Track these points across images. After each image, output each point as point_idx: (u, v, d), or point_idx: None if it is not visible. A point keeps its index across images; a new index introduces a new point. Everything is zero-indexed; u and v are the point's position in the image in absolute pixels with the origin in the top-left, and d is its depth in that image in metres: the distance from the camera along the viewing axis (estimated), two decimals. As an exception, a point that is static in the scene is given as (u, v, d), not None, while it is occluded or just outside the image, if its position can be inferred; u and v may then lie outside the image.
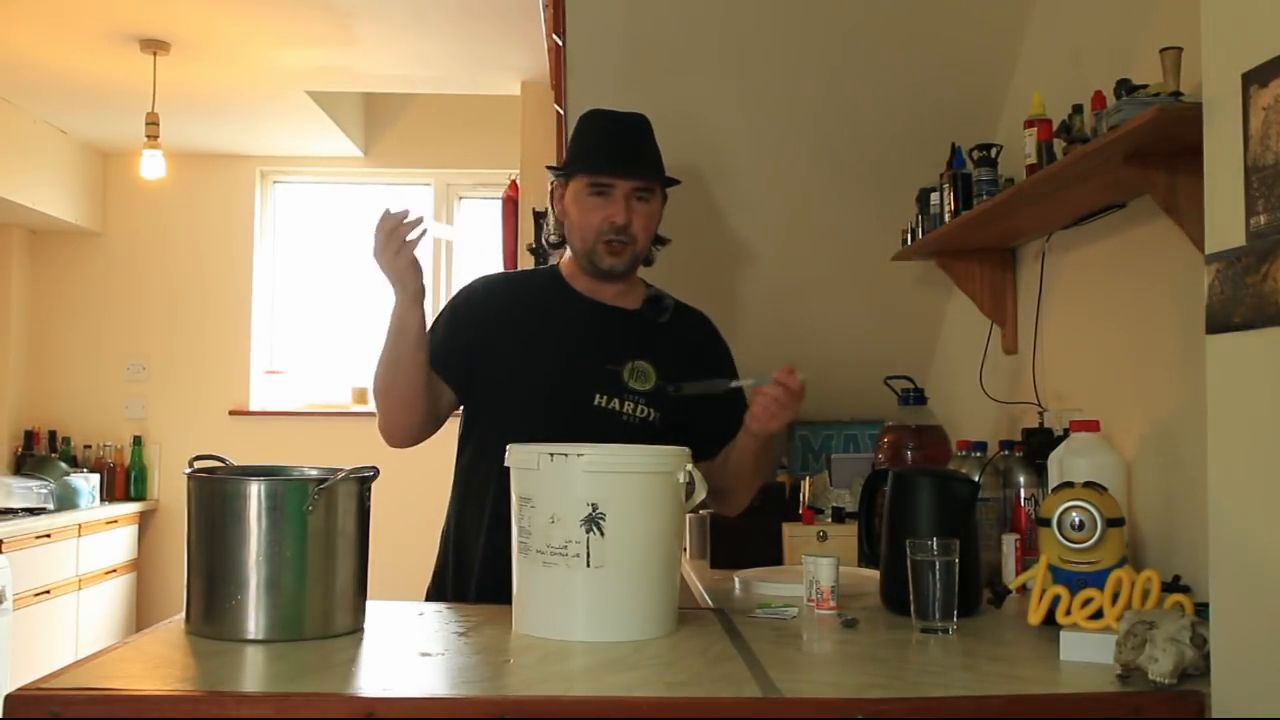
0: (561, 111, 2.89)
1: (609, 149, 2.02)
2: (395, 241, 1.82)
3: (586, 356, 2.00)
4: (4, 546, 4.32)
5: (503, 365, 2.00)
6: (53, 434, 5.51)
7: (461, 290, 2.13)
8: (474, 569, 1.98)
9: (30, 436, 5.47)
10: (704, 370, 2.03)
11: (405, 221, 1.82)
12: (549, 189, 2.12)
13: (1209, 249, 1.32)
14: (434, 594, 2.05)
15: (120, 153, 5.55)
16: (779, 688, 1.34)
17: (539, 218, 4.23)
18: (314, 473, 1.67)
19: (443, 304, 2.19)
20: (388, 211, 1.83)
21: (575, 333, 2.03)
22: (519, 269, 2.23)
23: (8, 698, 1.26)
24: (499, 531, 1.93)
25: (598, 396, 1.96)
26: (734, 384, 1.94)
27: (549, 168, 2.10)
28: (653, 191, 2.04)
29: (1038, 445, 2.21)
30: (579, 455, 1.59)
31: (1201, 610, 1.40)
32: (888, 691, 1.35)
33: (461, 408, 2.07)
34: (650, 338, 2.05)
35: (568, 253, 2.11)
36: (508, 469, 1.73)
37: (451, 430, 2.08)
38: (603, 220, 1.99)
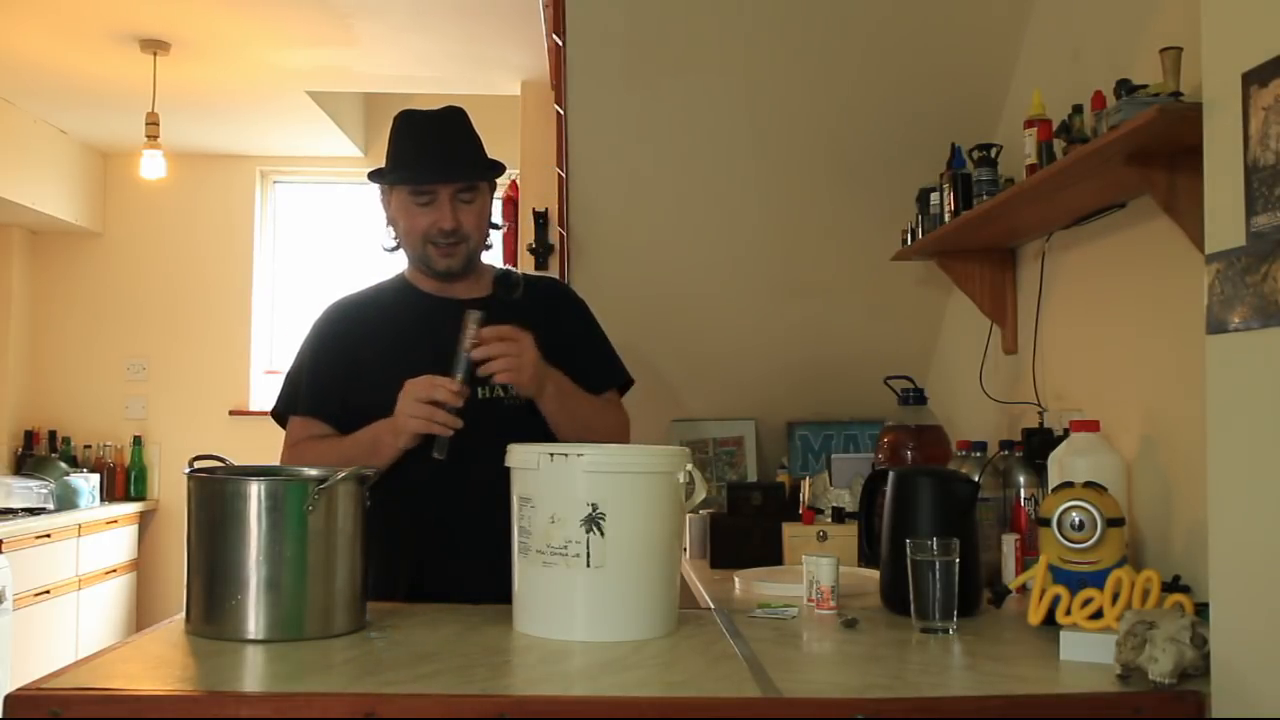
0: (561, 111, 2.89)
1: (425, 155, 2.00)
2: (432, 412, 1.81)
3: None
4: (4, 546, 4.32)
5: (373, 387, 1.96)
6: (53, 434, 5.51)
7: (315, 324, 2.11)
8: (399, 580, 1.94)
9: (30, 436, 5.47)
10: (567, 331, 2.06)
11: (449, 396, 1.80)
12: (380, 195, 2.09)
13: (1209, 249, 1.32)
14: None
15: (120, 153, 5.55)
16: (779, 688, 1.34)
17: (539, 217, 4.24)
18: (314, 473, 1.67)
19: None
20: (430, 381, 1.81)
21: (437, 334, 1.98)
22: (366, 286, 2.20)
23: (8, 698, 1.27)
24: (413, 540, 1.95)
25: (478, 390, 1.95)
26: (463, 359, 1.86)
27: (370, 176, 2.07)
28: (476, 189, 2.02)
29: (1038, 445, 2.20)
30: (579, 455, 1.59)
31: (1201, 610, 1.40)
32: (888, 691, 1.35)
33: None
34: (509, 317, 1.99)
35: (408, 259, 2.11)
36: (408, 483, 1.81)
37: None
38: (430, 226, 1.99)
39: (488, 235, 2.08)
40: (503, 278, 2.10)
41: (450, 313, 2.00)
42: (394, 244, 2.09)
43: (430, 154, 2.00)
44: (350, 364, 2.03)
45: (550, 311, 2.09)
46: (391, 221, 2.07)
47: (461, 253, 2.01)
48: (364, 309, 2.11)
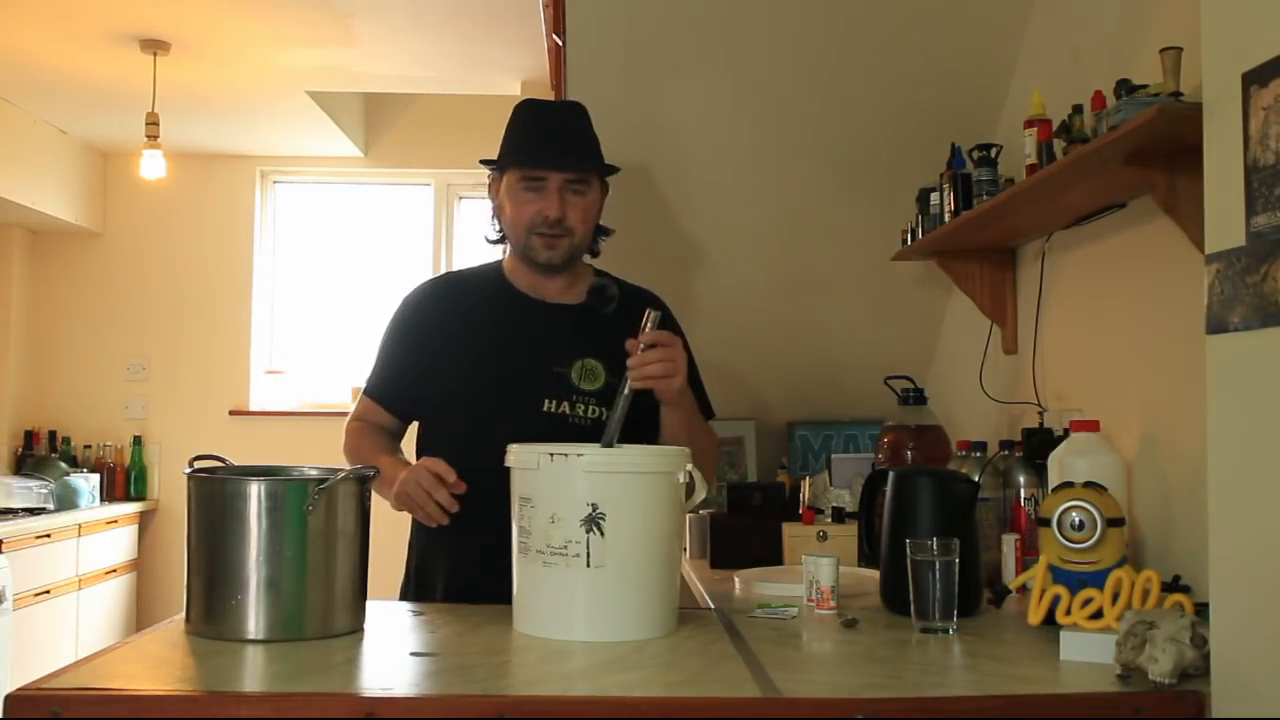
0: (561, 111, 2.89)
1: (540, 141, 1.98)
2: (426, 502, 1.81)
3: (532, 361, 1.96)
4: (4, 546, 4.32)
5: (448, 377, 1.98)
6: (53, 434, 5.51)
7: (402, 303, 2.09)
8: (437, 582, 1.99)
9: (30, 436, 5.47)
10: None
11: (443, 488, 1.81)
12: (487, 182, 2.08)
13: (1209, 249, 1.32)
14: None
15: (120, 153, 5.55)
16: (779, 688, 1.35)
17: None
18: (314, 473, 1.67)
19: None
20: (439, 471, 1.81)
21: (519, 337, 1.99)
22: (464, 267, 2.19)
23: (8, 698, 1.26)
24: (460, 542, 1.96)
25: (546, 402, 1.94)
26: (625, 390, 1.80)
27: (483, 161, 2.06)
28: (588, 182, 1.99)
29: (1038, 445, 2.20)
30: (579, 455, 1.59)
31: (1201, 610, 1.40)
32: (888, 691, 1.35)
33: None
34: (598, 332, 1.98)
35: (508, 248, 2.08)
36: (468, 481, 1.80)
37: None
38: (535, 214, 1.95)
39: (593, 234, 2.04)
40: (599, 289, 2.03)
41: (537, 316, 2.00)
42: (498, 235, 2.06)
43: (546, 140, 1.97)
44: (426, 349, 2.02)
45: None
46: (498, 210, 2.04)
47: (565, 246, 1.97)
48: (453, 293, 2.10)
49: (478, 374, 1.98)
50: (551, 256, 1.98)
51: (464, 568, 1.96)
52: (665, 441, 1.96)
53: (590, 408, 1.95)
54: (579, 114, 2.03)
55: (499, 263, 2.11)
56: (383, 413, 2.07)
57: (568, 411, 1.94)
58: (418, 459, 1.99)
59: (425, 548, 2.05)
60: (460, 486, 1.81)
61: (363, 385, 2.11)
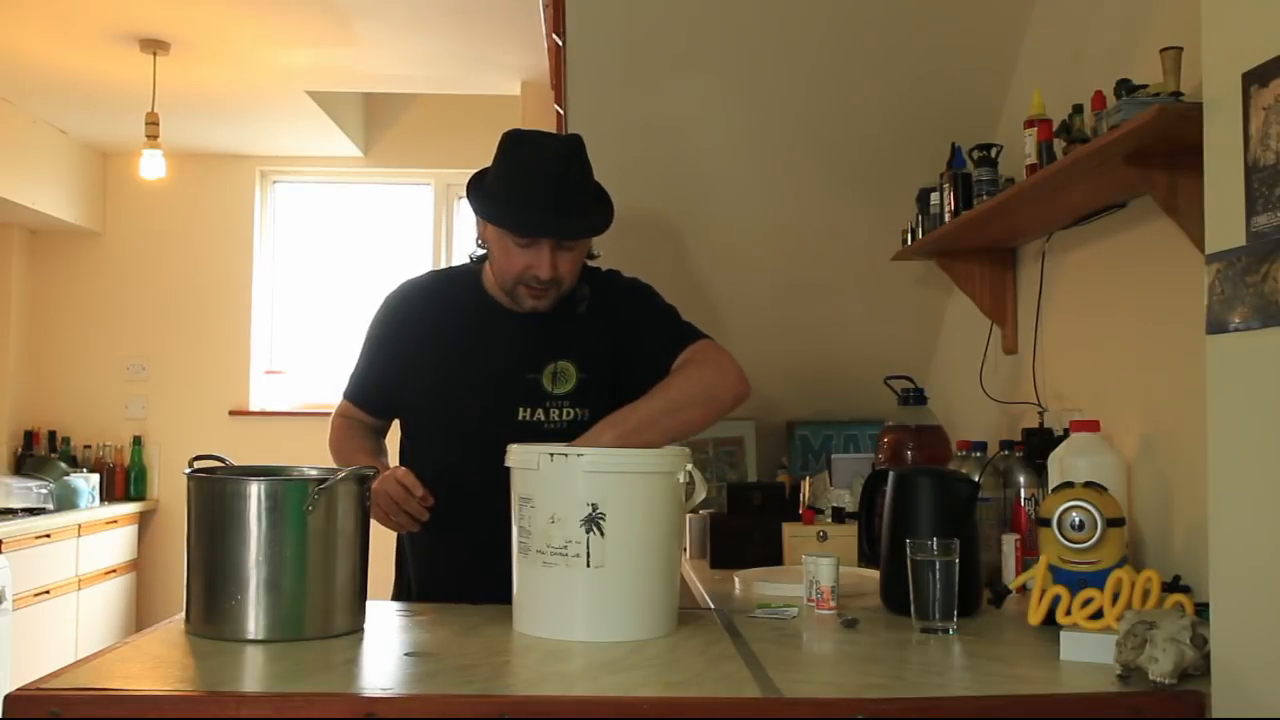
0: (561, 111, 2.89)
1: (537, 201, 1.85)
2: (396, 512, 1.83)
3: (504, 370, 1.95)
4: (4, 546, 4.32)
5: (423, 383, 1.99)
6: (53, 434, 5.51)
7: (383, 303, 2.08)
8: (418, 584, 2.02)
9: (30, 436, 5.47)
10: (627, 320, 1.99)
11: (413, 499, 1.82)
12: (465, 188, 2.00)
13: (1209, 249, 1.32)
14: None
15: (120, 153, 5.55)
16: (779, 688, 1.35)
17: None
18: (314, 473, 1.67)
19: None
20: (409, 484, 1.82)
21: (491, 345, 1.97)
22: (447, 266, 2.16)
23: (8, 698, 1.27)
24: (437, 548, 1.98)
25: (521, 411, 1.93)
26: None
27: (470, 196, 1.95)
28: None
29: (1038, 445, 2.20)
30: (579, 455, 1.59)
31: (1201, 610, 1.40)
32: (888, 691, 1.35)
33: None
34: (568, 332, 1.97)
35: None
36: (456, 498, 1.83)
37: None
38: (525, 269, 1.89)
39: (580, 271, 1.98)
40: (567, 295, 1.97)
41: (509, 323, 1.98)
42: (484, 250, 2.00)
43: (542, 200, 1.85)
44: (401, 353, 2.02)
45: (609, 309, 2.01)
46: (481, 239, 1.98)
47: (552, 295, 1.92)
48: (430, 296, 2.07)
49: (450, 382, 1.98)
50: (537, 306, 1.94)
51: (440, 569, 1.99)
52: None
53: (564, 411, 1.95)
54: (574, 159, 1.90)
55: (472, 269, 2.06)
56: (358, 411, 2.10)
57: (542, 419, 1.94)
58: (400, 460, 2.02)
59: (408, 553, 2.07)
60: (429, 500, 1.83)
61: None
